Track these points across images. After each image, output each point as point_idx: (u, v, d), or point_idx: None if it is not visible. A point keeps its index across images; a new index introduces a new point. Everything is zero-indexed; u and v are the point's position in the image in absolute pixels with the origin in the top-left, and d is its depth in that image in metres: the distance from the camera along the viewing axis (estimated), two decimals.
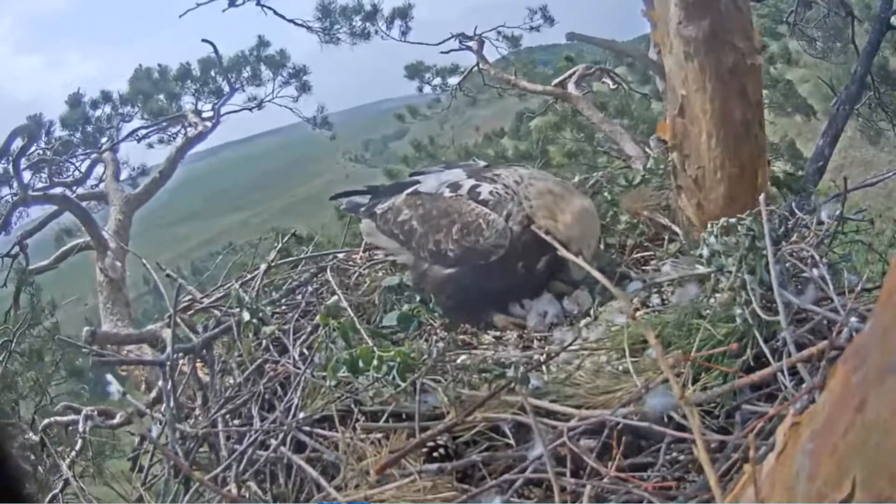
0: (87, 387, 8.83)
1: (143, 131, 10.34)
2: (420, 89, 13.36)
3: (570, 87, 8.31)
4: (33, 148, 8.18)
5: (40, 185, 8.92)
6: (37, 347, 8.36)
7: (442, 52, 11.45)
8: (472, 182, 3.77)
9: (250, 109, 10.89)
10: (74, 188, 8.85)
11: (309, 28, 11.24)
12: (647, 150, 5.76)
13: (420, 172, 4.25)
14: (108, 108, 10.78)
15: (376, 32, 11.65)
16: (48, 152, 9.40)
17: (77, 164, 9.91)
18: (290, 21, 11.00)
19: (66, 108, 10.67)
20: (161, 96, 10.93)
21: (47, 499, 3.83)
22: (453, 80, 12.85)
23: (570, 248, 3.40)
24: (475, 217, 3.60)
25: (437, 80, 13.15)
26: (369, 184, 4.58)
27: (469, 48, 10.85)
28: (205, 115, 9.92)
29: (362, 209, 4.16)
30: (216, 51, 10.28)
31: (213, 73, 10.86)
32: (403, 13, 11.77)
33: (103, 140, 10.40)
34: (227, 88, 10.74)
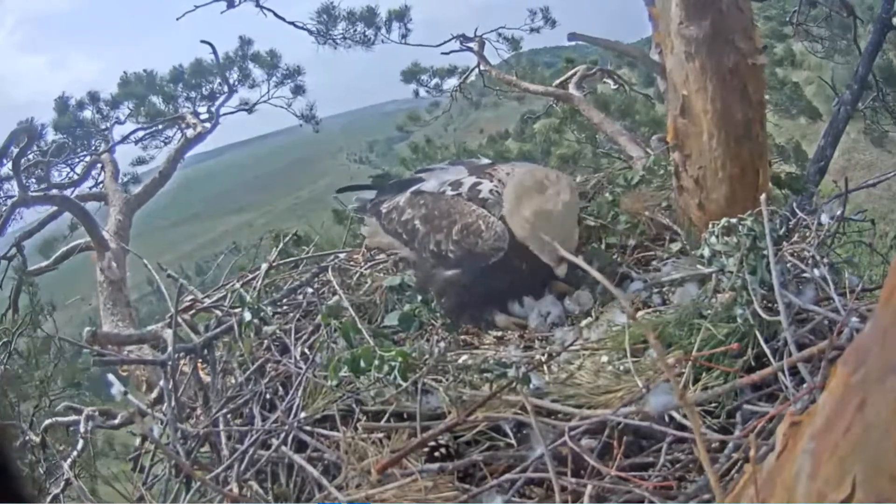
0: (87, 393, 8.83)
1: (141, 133, 10.34)
2: (416, 93, 13.30)
3: (572, 88, 8.29)
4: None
5: (34, 188, 8.89)
6: (34, 351, 8.34)
7: (443, 54, 11.46)
8: (472, 179, 3.75)
9: (247, 111, 10.86)
10: (72, 190, 8.84)
11: (309, 31, 11.22)
12: (648, 150, 5.76)
13: (425, 169, 4.23)
14: (95, 111, 10.72)
15: (375, 36, 11.63)
16: (46, 155, 9.38)
17: (72, 167, 9.93)
18: (291, 24, 10.98)
19: (62, 112, 10.63)
20: (154, 98, 10.89)
21: (48, 499, 3.82)
22: (451, 82, 12.81)
23: (529, 247, 3.42)
24: (475, 218, 3.58)
25: (435, 81, 13.09)
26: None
27: (470, 49, 10.84)
28: (202, 116, 9.93)
29: (368, 206, 4.16)
30: (215, 52, 10.27)
31: (206, 77, 10.83)
32: (401, 15, 11.74)
33: (95, 142, 10.38)
34: (220, 90, 10.72)
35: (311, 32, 11.25)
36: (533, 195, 3.50)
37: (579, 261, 2.21)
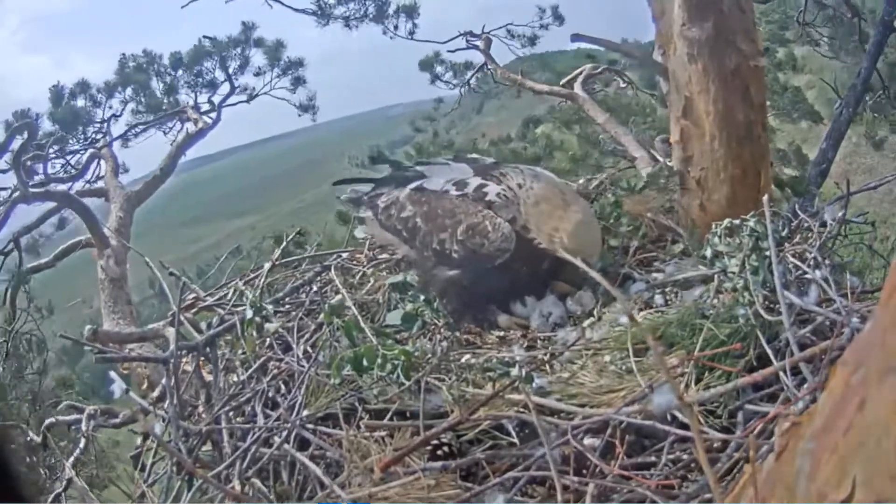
0: (87, 384, 8.74)
1: (141, 126, 10.20)
2: (433, 81, 13.18)
3: (576, 88, 8.26)
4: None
5: (31, 182, 8.74)
6: (33, 354, 8.24)
7: (449, 52, 11.46)
8: (478, 181, 3.73)
9: (246, 101, 10.72)
10: (69, 185, 8.71)
11: (312, 13, 11.08)
12: (652, 151, 5.76)
13: (424, 163, 4.19)
14: (87, 98, 10.52)
15: (384, 32, 11.58)
16: (43, 148, 9.22)
17: (69, 160, 9.79)
18: (302, 11, 10.85)
19: (57, 103, 10.39)
20: (153, 83, 10.68)
21: (50, 499, 3.82)
22: (469, 74, 12.73)
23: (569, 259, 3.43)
24: (481, 219, 3.57)
25: (450, 75, 12.99)
26: None
27: (476, 47, 10.81)
28: (204, 109, 9.85)
29: (364, 198, 4.11)
30: (216, 43, 10.23)
31: (204, 63, 10.69)
32: (410, 10, 11.66)
33: (91, 131, 10.22)
34: (220, 77, 10.59)
35: (313, 13, 11.10)
36: (568, 209, 3.54)
37: (578, 261, 2.21)
